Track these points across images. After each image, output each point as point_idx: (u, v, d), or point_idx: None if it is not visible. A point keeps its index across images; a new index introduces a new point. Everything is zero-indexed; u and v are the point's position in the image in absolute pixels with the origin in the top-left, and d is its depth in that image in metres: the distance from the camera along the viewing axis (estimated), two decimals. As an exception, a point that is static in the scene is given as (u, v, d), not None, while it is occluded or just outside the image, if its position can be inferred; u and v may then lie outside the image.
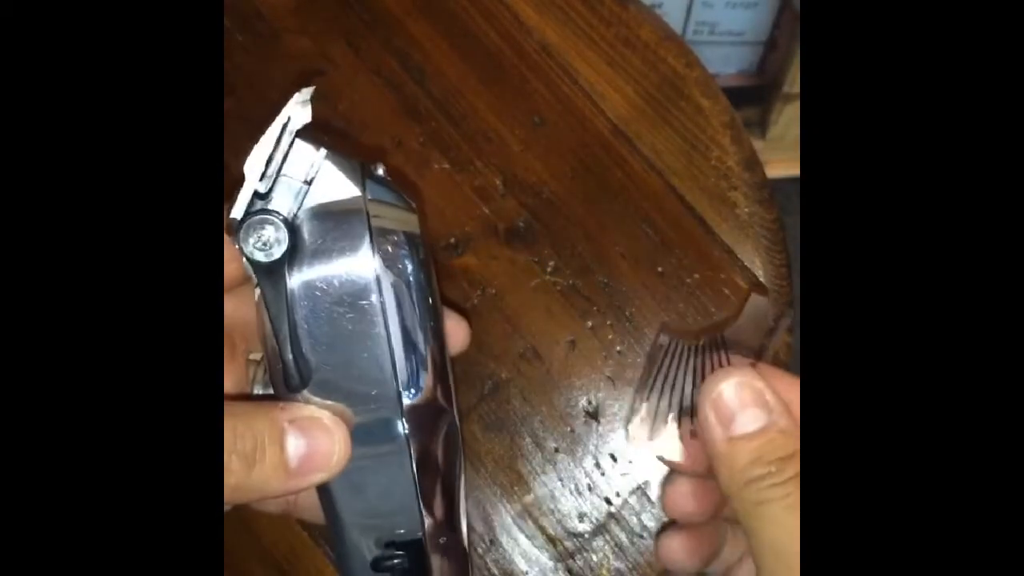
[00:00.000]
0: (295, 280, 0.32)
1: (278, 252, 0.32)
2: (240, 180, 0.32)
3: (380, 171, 0.34)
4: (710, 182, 0.50)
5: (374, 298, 0.32)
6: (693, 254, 0.49)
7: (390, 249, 0.33)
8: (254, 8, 0.52)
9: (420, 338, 0.34)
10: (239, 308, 0.36)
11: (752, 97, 1.09)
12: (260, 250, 0.32)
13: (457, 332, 0.39)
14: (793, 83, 1.04)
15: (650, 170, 0.50)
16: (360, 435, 0.33)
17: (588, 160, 0.50)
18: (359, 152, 0.34)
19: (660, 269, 0.49)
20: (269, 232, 0.32)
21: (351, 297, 0.32)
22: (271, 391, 0.34)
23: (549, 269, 0.49)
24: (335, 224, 0.32)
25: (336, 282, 0.32)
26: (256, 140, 0.31)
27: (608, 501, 0.47)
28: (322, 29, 0.52)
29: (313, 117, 0.32)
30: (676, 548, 0.42)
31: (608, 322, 0.48)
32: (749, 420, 0.35)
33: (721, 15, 1.03)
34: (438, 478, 0.36)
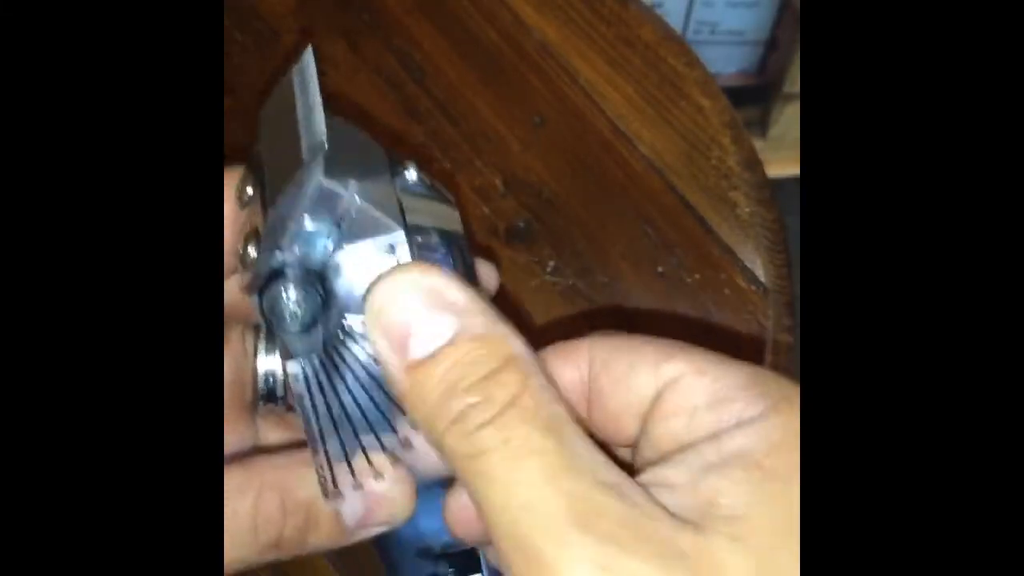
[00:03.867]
0: (332, 349, 0.27)
1: (308, 316, 0.26)
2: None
3: (412, 175, 0.29)
4: (710, 182, 0.49)
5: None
6: (693, 254, 0.49)
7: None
8: (254, 8, 0.52)
9: None
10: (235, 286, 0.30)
11: (753, 96, 1.09)
12: (289, 317, 0.26)
13: (488, 280, 0.32)
14: (794, 83, 1.04)
15: (650, 170, 0.50)
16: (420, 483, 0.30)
17: (588, 160, 0.50)
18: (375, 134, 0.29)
19: (660, 269, 0.49)
20: (295, 294, 0.26)
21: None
22: (273, 358, 0.31)
23: (549, 269, 0.49)
24: (374, 265, 0.27)
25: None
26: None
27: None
28: (322, 29, 0.52)
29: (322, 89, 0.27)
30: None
31: (608, 322, 0.48)
32: (426, 338, 0.24)
33: (721, 14, 1.03)
34: None
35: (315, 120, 0.26)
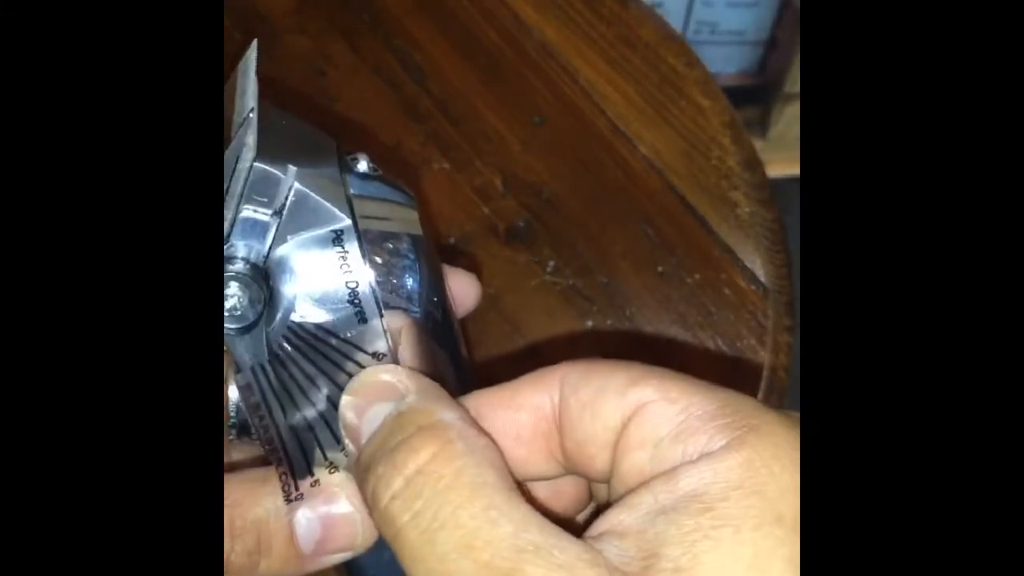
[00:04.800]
0: (282, 348, 0.26)
1: (252, 314, 0.25)
2: None
3: (363, 165, 0.27)
4: (710, 182, 0.49)
5: (384, 350, 0.27)
6: (693, 254, 0.49)
7: (395, 281, 0.27)
8: (254, 8, 0.52)
9: (446, 381, 0.27)
10: None
11: (753, 97, 1.09)
12: (231, 315, 0.25)
13: (468, 291, 0.32)
14: (794, 83, 1.04)
15: (650, 170, 0.50)
16: None
17: (588, 160, 0.50)
18: (328, 125, 0.28)
19: (660, 269, 0.49)
20: (236, 291, 0.25)
21: (358, 354, 0.26)
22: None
23: (549, 269, 0.49)
24: (322, 261, 0.26)
25: (335, 340, 0.26)
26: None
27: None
28: (322, 29, 0.52)
29: (258, 75, 0.26)
30: None
31: (608, 322, 0.48)
32: (371, 423, 0.25)
33: (722, 14, 1.03)
34: None
35: (246, 103, 0.25)
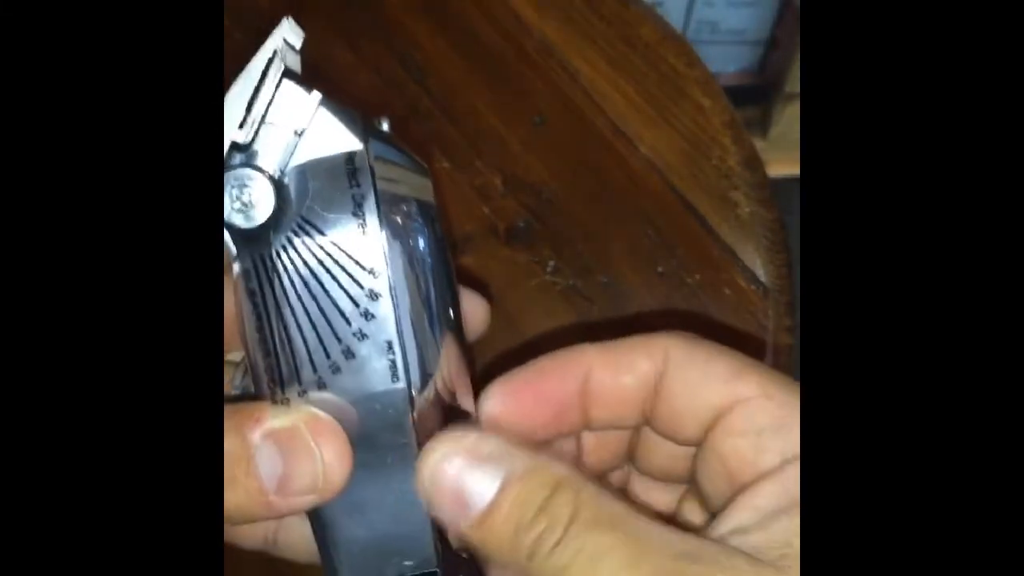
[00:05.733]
0: (282, 252, 0.27)
1: (262, 215, 0.26)
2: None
3: (385, 126, 0.28)
4: (711, 182, 0.49)
5: (380, 276, 0.27)
6: (694, 254, 0.49)
7: (400, 220, 0.27)
8: (254, 7, 0.52)
9: (435, 325, 0.28)
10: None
11: (753, 96, 1.09)
12: (240, 212, 0.26)
13: (476, 314, 0.33)
14: (794, 82, 1.04)
15: (650, 170, 0.50)
16: (361, 443, 0.28)
17: (588, 160, 0.50)
18: (358, 107, 0.28)
19: (660, 269, 0.49)
20: (251, 190, 0.26)
21: (352, 274, 0.27)
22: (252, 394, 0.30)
23: (549, 269, 0.49)
24: (332, 184, 0.27)
25: (334, 256, 0.27)
26: (235, 76, 0.27)
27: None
28: (322, 29, 0.52)
29: (304, 66, 0.27)
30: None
31: (608, 322, 0.48)
32: (481, 491, 0.26)
33: (722, 14, 1.03)
34: None
35: (275, 40, 0.27)
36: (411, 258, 0.28)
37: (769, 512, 0.26)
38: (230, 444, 0.27)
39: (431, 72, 0.51)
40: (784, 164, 1.01)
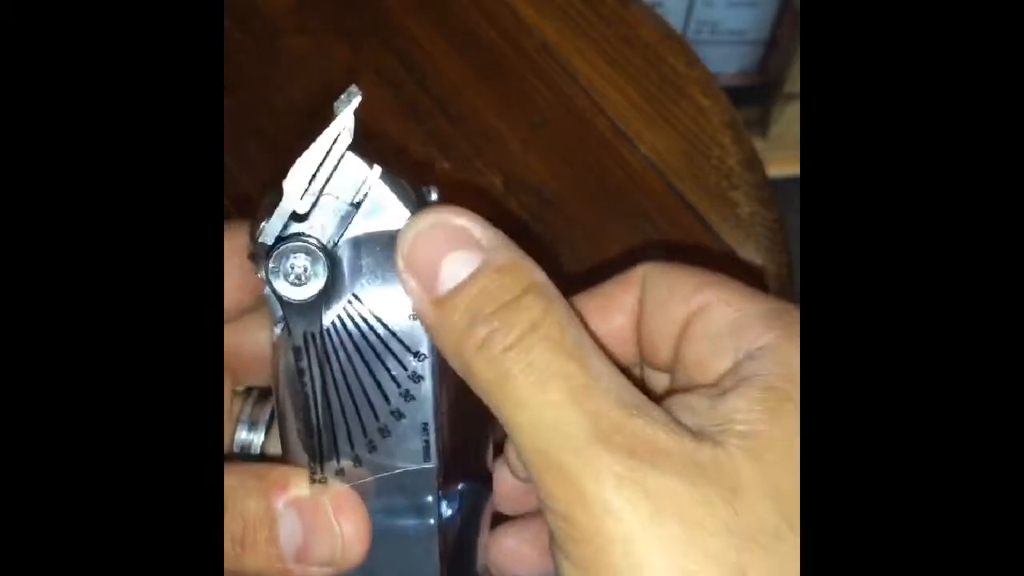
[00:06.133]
0: (332, 331, 0.27)
1: (314, 288, 0.26)
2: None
3: (434, 196, 0.29)
4: (711, 181, 0.49)
5: (425, 361, 0.27)
6: (694, 254, 0.49)
7: None
8: (253, 7, 0.52)
9: (473, 407, 0.27)
10: (230, 336, 0.30)
11: (753, 96, 1.09)
12: (293, 284, 0.26)
13: None
14: (794, 82, 1.04)
15: (650, 170, 0.50)
16: (384, 516, 0.28)
17: (588, 160, 0.50)
18: (405, 171, 0.29)
19: (660, 269, 0.49)
20: (304, 262, 0.26)
21: (398, 356, 0.27)
22: (256, 433, 0.31)
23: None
24: (386, 262, 0.26)
25: (382, 337, 0.27)
26: (297, 153, 0.26)
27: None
28: (322, 29, 0.52)
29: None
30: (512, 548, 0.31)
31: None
32: (455, 268, 0.25)
33: (722, 14, 1.03)
34: (474, 568, 0.31)
35: (346, 114, 0.26)
36: None
37: (716, 395, 0.25)
38: (255, 508, 0.27)
39: (431, 72, 0.51)
40: (784, 164, 1.01)
